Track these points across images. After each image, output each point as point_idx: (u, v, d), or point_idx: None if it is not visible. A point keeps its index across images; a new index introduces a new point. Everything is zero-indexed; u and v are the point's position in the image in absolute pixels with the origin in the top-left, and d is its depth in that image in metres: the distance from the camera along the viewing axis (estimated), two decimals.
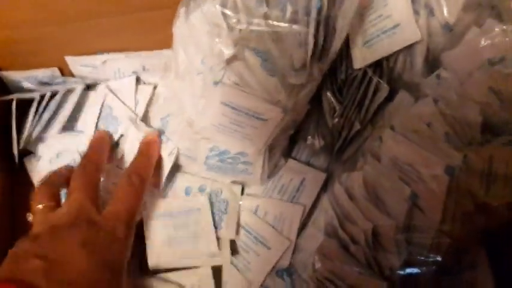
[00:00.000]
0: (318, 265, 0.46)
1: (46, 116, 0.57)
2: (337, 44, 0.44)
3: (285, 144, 0.55)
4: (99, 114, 0.59)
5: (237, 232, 0.53)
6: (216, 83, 0.44)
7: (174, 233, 0.53)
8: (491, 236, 0.47)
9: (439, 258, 0.43)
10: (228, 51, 0.42)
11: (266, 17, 0.41)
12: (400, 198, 0.42)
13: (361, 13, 0.49)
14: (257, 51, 0.43)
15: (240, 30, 0.42)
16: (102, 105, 0.59)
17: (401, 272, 0.43)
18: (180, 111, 0.51)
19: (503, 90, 0.38)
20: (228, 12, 0.42)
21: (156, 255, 0.53)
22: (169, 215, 0.53)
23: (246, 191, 0.56)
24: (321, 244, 0.46)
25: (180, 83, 0.49)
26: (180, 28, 0.47)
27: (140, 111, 0.58)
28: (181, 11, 0.46)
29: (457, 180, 0.39)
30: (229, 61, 0.43)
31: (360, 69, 0.49)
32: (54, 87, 0.59)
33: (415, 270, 0.43)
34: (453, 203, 0.40)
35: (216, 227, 0.52)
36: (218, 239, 0.52)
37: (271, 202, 0.54)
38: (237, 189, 0.55)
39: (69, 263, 0.39)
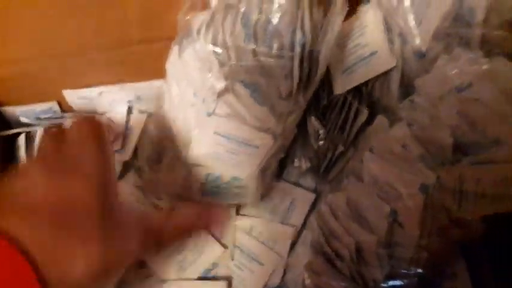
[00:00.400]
0: (307, 281, 0.49)
1: None
2: (320, 73, 0.47)
3: (276, 167, 0.58)
4: None
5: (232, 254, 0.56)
6: (209, 114, 0.47)
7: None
8: (469, 248, 0.50)
9: (419, 271, 0.45)
10: (219, 85, 0.45)
11: (254, 53, 0.45)
12: (381, 215, 0.45)
13: (341, 43, 0.52)
14: (246, 84, 0.46)
15: (230, 65, 0.45)
16: None
17: (385, 285, 0.46)
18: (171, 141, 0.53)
19: (471, 114, 0.41)
20: (218, 49, 0.45)
21: None
22: None
23: (241, 211, 0.59)
24: (309, 261, 0.49)
25: (173, 114, 0.52)
26: (173, 64, 0.50)
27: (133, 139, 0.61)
28: (175, 48, 0.50)
29: (431, 197, 0.42)
30: (221, 94, 0.46)
31: (340, 94, 0.52)
32: (53, 121, 0.62)
33: (397, 282, 0.46)
34: (429, 218, 0.43)
35: None
36: None
37: (264, 223, 0.57)
38: (232, 211, 0.57)
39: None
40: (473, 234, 0.45)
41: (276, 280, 0.55)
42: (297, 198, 0.59)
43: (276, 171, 0.59)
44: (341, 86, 0.52)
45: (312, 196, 0.58)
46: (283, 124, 0.50)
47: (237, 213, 0.58)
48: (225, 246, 0.56)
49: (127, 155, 0.62)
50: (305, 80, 0.47)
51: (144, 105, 0.64)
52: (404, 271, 0.45)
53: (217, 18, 0.46)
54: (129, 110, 0.65)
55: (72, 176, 0.34)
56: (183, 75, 0.49)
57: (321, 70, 0.48)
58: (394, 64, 0.48)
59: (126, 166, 0.63)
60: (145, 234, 0.38)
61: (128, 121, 0.64)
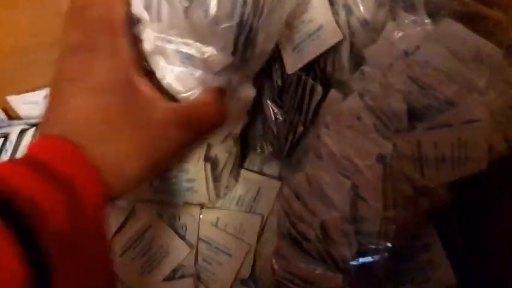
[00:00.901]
0: (275, 267, 0.48)
1: (4, 159, 0.58)
2: (258, 51, 0.44)
3: (234, 164, 0.57)
4: None
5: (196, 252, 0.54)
6: None
7: (144, 260, 0.54)
8: (439, 217, 0.49)
9: (389, 245, 0.44)
10: (148, 46, 0.42)
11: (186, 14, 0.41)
12: (343, 191, 0.44)
13: (287, 20, 0.50)
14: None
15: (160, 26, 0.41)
16: None
17: (355, 263, 0.45)
18: None
19: (420, 77, 0.40)
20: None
21: None
22: (130, 248, 0.55)
23: (205, 204, 0.57)
24: (276, 246, 0.48)
25: None
26: None
27: None
28: None
29: (390, 167, 0.41)
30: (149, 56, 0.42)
31: (294, 74, 0.51)
32: (1, 130, 0.59)
33: (368, 259, 0.45)
34: (391, 189, 0.42)
35: None
36: None
37: (230, 214, 0.56)
38: (196, 211, 0.56)
39: None
40: (439, 202, 0.44)
41: (247, 271, 0.53)
42: (263, 187, 0.57)
43: (235, 169, 0.58)
44: (292, 64, 0.51)
45: (277, 184, 0.57)
46: None
47: (201, 206, 0.56)
48: (190, 245, 0.55)
49: None
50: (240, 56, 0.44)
51: None
52: (373, 246, 0.44)
53: None
54: None
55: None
56: None
57: (259, 48, 0.45)
58: (341, 37, 0.47)
59: None
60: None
61: None
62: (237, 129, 0.53)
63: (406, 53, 0.40)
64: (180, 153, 0.40)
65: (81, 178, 0.32)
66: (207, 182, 0.52)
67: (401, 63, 0.41)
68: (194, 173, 0.51)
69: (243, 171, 0.58)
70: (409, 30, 0.41)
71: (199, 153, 0.50)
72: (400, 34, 0.41)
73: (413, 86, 0.40)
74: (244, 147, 0.59)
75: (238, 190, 0.57)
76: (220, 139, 0.51)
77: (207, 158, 0.51)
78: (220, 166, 0.53)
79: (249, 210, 0.56)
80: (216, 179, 0.53)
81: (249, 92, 0.48)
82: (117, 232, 0.55)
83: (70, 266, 0.30)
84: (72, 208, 0.31)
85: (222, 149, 0.53)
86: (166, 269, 0.54)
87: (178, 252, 0.54)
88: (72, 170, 0.32)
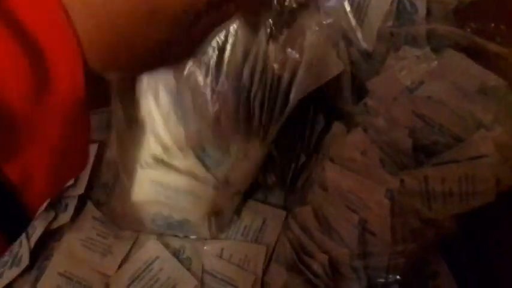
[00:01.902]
0: None
1: None
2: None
3: (236, 205, 0.56)
4: None
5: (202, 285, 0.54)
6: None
7: None
8: (447, 244, 0.49)
9: (398, 277, 0.44)
10: None
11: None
12: (350, 225, 0.43)
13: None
14: None
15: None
16: None
17: None
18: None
19: (426, 113, 0.40)
20: None
21: None
22: (136, 279, 0.54)
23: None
24: (286, 281, 0.48)
25: None
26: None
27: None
28: None
29: (398, 202, 0.41)
30: None
31: (295, 104, 0.51)
32: None
33: None
34: (400, 224, 0.42)
35: None
36: None
37: (235, 244, 0.55)
38: (199, 243, 0.55)
39: None
40: (447, 232, 0.44)
41: None
42: (269, 218, 0.57)
43: (236, 209, 0.57)
44: (294, 95, 0.50)
45: (283, 213, 0.56)
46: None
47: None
48: (197, 277, 0.54)
49: (81, 188, 0.60)
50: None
51: (95, 135, 0.62)
52: (382, 280, 0.44)
53: None
54: None
55: None
56: None
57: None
58: (342, 68, 0.46)
59: (81, 200, 0.61)
60: None
61: None
62: (245, 187, 0.53)
63: (410, 90, 0.40)
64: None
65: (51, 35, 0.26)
66: (210, 229, 0.52)
67: (405, 98, 0.41)
68: (197, 223, 0.51)
69: (248, 201, 0.58)
70: (412, 65, 0.40)
71: (205, 209, 0.50)
72: (403, 70, 0.40)
73: (419, 121, 0.40)
74: None
75: (244, 221, 0.57)
76: (228, 198, 0.51)
77: (211, 213, 0.52)
78: (225, 216, 0.53)
79: (255, 240, 0.56)
80: (217, 221, 0.53)
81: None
82: (122, 262, 0.55)
83: (34, 150, 0.26)
84: (38, 79, 0.25)
85: (227, 205, 0.53)
86: None
87: (185, 284, 0.54)
88: (40, 19, 0.25)
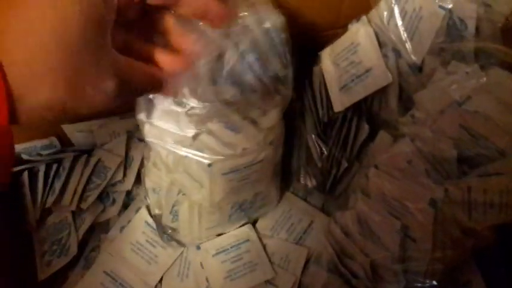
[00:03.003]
0: None
1: (57, 185, 0.60)
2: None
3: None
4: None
5: None
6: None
7: (232, 266, 0.56)
8: (481, 253, 0.50)
9: (435, 283, 0.46)
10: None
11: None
12: (392, 231, 0.45)
13: (334, 61, 0.52)
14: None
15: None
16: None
17: None
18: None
19: (472, 126, 0.42)
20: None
21: None
22: (223, 251, 0.57)
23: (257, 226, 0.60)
24: (325, 281, 0.49)
25: None
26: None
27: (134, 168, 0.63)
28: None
29: (441, 211, 0.43)
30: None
31: (339, 111, 0.53)
32: (55, 156, 0.62)
33: None
34: (441, 232, 0.44)
35: None
36: None
37: (278, 243, 0.58)
38: (252, 233, 0.59)
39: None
40: (484, 242, 0.45)
41: None
42: (316, 221, 0.59)
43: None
44: (339, 103, 0.52)
45: (328, 219, 0.59)
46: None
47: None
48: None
49: (129, 184, 0.63)
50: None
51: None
52: (419, 284, 0.46)
53: None
54: (129, 140, 0.65)
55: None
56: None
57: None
58: (390, 80, 0.48)
59: (129, 196, 0.64)
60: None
61: (127, 151, 0.64)
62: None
63: (458, 103, 0.42)
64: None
65: None
66: (277, 191, 0.58)
67: (453, 111, 0.42)
68: (266, 191, 0.56)
69: (300, 201, 0.61)
70: (461, 80, 0.42)
71: (269, 177, 0.54)
72: (452, 85, 0.42)
73: (465, 134, 0.42)
74: (288, 175, 0.61)
75: (292, 218, 0.60)
76: None
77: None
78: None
79: (297, 241, 0.58)
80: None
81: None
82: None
83: None
84: None
85: None
86: (248, 283, 0.56)
87: (264, 271, 0.56)
88: None
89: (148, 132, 0.49)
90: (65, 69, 0.30)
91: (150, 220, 0.59)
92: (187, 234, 0.57)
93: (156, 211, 0.58)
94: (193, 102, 0.45)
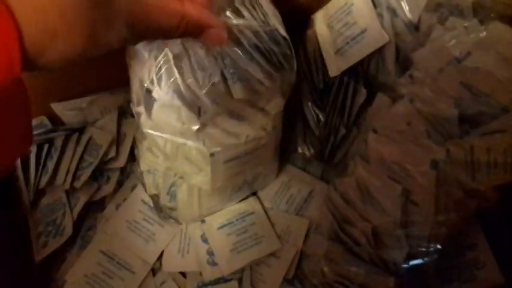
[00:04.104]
0: (326, 269, 0.48)
1: (50, 165, 0.59)
2: None
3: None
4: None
5: None
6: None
7: (237, 239, 0.56)
8: (485, 216, 0.49)
9: (439, 247, 0.45)
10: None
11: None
12: (393, 195, 0.44)
13: (328, 24, 0.50)
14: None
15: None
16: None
17: (406, 265, 0.45)
18: None
19: (473, 83, 0.40)
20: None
21: (226, 262, 0.55)
22: (228, 224, 0.57)
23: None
24: (326, 249, 0.48)
25: None
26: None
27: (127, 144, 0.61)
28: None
29: (443, 173, 0.41)
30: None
31: (335, 76, 0.51)
32: (46, 136, 0.60)
33: (418, 261, 0.45)
34: (444, 194, 0.42)
35: None
36: None
37: (278, 215, 0.57)
38: (257, 205, 0.58)
39: None
40: (488, 203, 0.44)
41: (292, 271, 0.54)
42: (316, 190, 0.59)
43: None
44: (335, 67, 0.51)
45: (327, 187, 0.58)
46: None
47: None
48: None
49: (122, 161, 0.62)
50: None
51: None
52: (423, 249, 0.45)
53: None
54: (121, 116, 0.63)
55: None
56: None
57: None
58: (386, 40, 0.47)
59: (123, 173, 0.62)
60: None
61: (119, 127, 0.63)
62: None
63: (457, 59, 0.40)
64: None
65: None
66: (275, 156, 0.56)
67: (452, 69, 0.41)
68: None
69: (299, 171, 0.60)
70: (460, 36, 0.41)
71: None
72: (451, 41, 0.40)
73: (466, 92, 0.40)
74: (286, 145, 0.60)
75: (291, 189, 0.59)
76: None
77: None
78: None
79: (298, 211, 0.57)
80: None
81: None
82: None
83: None
84: None
85: None
86: (254, 255, 0.55)
87: (270, 244, 0.56)
88: None
89: (145, 123, 0.48)
90: (78, 18, 0.29)
91: (147, 198, 0.58)
92: (187, 214, 0.56)
93: (153, 191, 0.57)
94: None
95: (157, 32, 0.35)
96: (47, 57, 0.29)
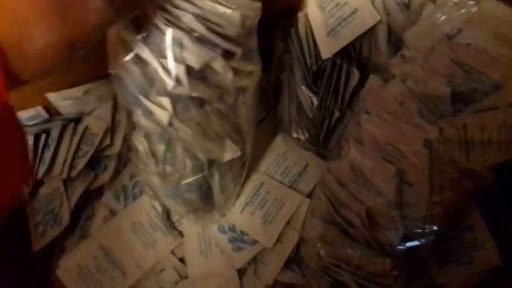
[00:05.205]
0: (322, 252, 0.48)
1: (47, 155, 0.59)
2: None
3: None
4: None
5: None
6: None
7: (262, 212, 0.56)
8: (482, 197, 0.49)
9: (435, 228, 0.44)
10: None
11: None
12: (387, 176, 0.44)
13: (320, 5, 0.50)
14: None
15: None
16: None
17: (402, 247, 0.45)
18: None
19: (464, 60, 0.39)
20: None
21: (265, 237, 0.55)
22: (246, 205, 0.57)
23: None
24: (321, 232, 0.48)
25: None
26: None
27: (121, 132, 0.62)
28: None
29: (437, 152, 0.41)
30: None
31: (328, 59, 0.51)
32: (42, 127, 0.60)
33: (414, 243, 0.45)
34: (438, 174, 0.42)
35: None
36: None
37: (274, 184, 0.57)
38: (263, 176, 0.58)
39: None
40: (484, 183, 0.44)
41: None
42: (311, 165, 0.58)
43: None
44: (328, 49, 0.50)
45: (323, 164, 0.57)
46: None
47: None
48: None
49: (116, 147, 0.62)
50: None
51: None
52: (419, 230, 0.44)
53: None
54: (115, 104, 0.63)
55: None
56: None
57: None
58: (378, 19, 0.46)
59: (120, 161, 0.62)
60: None
61: (114, 115, 0.63)
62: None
63: (448, 36, 0.40)
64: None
65: None
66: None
67: (444, 46, 0.40)
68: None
69: (290, 141, 0.59)
70: (451, 12, 0.40)
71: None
72: (443, 17, 0.40)
73: (458, 69, 0.40)
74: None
75: (287, 161, 0.58)
76: None
77: None
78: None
79: (292, 183, 0.57)
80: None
81: None
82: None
83: None
84: None
85: None
86: (286, 217, 0.55)
87: (293, 201, 0.56)
88: None
89: None
90: (49, 4, 0.29)
91: (157, 204, 0.58)
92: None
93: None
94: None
95: None
96: (27, 54, 0.29)
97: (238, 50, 0.43)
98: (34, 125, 0.62)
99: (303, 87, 0.53)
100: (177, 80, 0.42)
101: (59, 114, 0.63)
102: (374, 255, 0.45)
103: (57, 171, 0.59)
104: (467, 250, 0.50)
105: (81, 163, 0.59)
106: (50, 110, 0.63)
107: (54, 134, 0.60)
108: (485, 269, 0.50)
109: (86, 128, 0.61)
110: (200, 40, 0.41)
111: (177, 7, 0.40)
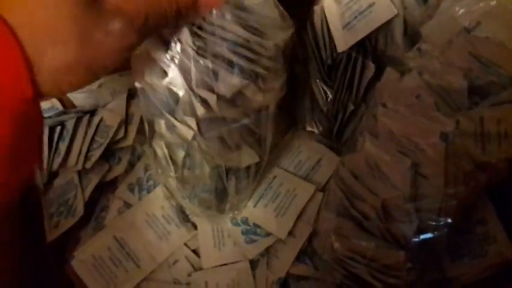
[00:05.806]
0: (336, 245, 0.48)
1: (62, 147, 0.60)
2: None
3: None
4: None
5: None
6: None
7: (275, 205, 0.57)
8: (495, 190, 0.49)
9: (449, 221, 0.45)
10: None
11: None
12: (402, 169, 0.44)
13: None
14: None
15: None
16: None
17: (416, 239, 0.45)
18: None
19: (482, 53, 0.40)
20: None
21: (278, 228, 0.56)
22: (259, 198, 0.58)
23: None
24: (336, 225, 0.48)
25: None
26: None
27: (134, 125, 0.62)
28: None
29: (453, 145, 0.41)
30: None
31: (344, 52, 0.51)
32: (57, 119, 0.61)
33: (428, 235, 0.45)
34: (453, 166, 0.42)
35: None
36: None
37: (286, 176, 0.58)
38: (276, 168, 0.58)
39: None
40: (499, 176, 0.44)
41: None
42: (324, 159, 0.58)
43: None
44: (343, 42, 0.50)
45: (337, 159, 0.58)
46: None
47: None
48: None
49: (130, 139, 0.62)
50: None
51: None
52: (433, 223, 0.44)
53: None
54: (130, 97, 0.63)
55: None
56: None
57: None
58: (395, 13, 0.46)
59: (134, 154, 0.63)
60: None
61: (128, 108, 0.63)
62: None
63: (467, 30, 0.40)
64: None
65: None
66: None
67: (461, 39, 0.40)
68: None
69: (309, 139, 0.60)
70: (469, 5, 0.40)
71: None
72: (461, 11, 0.40)
73: (475, 62, 0.40)
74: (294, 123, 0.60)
75: (300, 155, 0.59)
76: None
77: None
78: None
79: (305, 176, 0.58)
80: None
81: None
82: None
83: None
84: None
85: None
86: (298, 208, 0.56)
87: (305, 191, 0.56)
88: None
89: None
90: (69, 22, 0.29)
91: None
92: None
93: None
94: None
95: (154, 20, 0.34)
96: (47, 69, 0.29)
97: (270, 75, 0.44)
98: (49, 117, 0.62)
99: (318, 81, 0.54)
100: (207, 106, 0.42)
101: (74, 106, 0.64)
102: (388, 248, 0.46)
103: (72, 162, 0.59)
104: (480, 243, 0.51)
105: (95, 155, 0.59)
106: (65, 102, 0.64)
107: (69, 126, 0.61)
108: (497, 262, 0.50)
109: (101, 120, 0.61)
110: (233, 68, 0.41)
111: (210, 33, 0.40)
